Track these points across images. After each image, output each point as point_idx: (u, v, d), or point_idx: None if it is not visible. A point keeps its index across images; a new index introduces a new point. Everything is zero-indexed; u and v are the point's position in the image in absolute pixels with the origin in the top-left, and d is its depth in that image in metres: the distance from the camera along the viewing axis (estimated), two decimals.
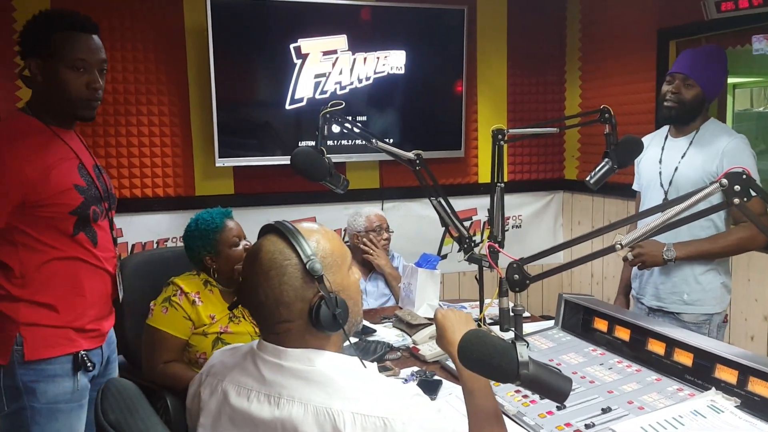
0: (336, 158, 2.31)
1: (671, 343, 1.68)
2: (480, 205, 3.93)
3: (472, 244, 2.12)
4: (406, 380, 1.82)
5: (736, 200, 1.09)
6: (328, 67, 3.43)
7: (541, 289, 4.17)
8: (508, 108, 3.99)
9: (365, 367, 1.09)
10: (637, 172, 2.41)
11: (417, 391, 1.06)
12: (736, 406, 1.44)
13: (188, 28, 3.31)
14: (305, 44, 3.37)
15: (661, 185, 2.23)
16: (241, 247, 2.17)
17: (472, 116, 3.89)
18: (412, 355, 2.05)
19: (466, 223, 3.87)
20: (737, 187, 1.09)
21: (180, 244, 2.72)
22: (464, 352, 1.07)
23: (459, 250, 2.15)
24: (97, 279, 1.67)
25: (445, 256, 2.44)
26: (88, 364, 1.61)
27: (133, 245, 3.33)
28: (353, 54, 3.46)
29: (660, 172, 2.24)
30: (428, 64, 3.63)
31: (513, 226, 4.09)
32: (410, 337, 2.18)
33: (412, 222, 3.79)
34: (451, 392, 1.72)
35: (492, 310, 2.24)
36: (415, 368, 1.91)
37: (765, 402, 1.42)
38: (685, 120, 2.18)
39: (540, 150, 4.10)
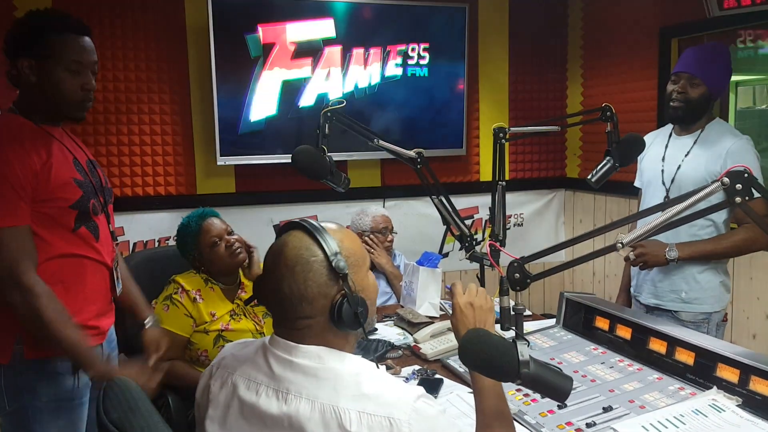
0: (337, 156, 2.30)
1: (673, 342, 1.68)
2: (481, 203, 3.93)
3: (474, 243, 2.11)
4: (407, 379, 1.82)
5: (738, 199, 1.09)
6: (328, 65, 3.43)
7: (543, 287, 4.17)
8: (510, 106, 3.99)
9: (378, 368, 1.10)
10: (640, 169, 2.40)
11: (423, 392, 1.07)
12: (737, 405, 1.44)
13: (189, 26, 3.31)
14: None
15: (663, 183, 2.22)
16: (221, 245, 2.15)
17: (473, 114, 3.88)
18: (413, 353, 2.05)
19: (468, 222, 3.87)
20: (739, 186, 1.09)
21: None
22: (465, 351, 1.07)
23: (460, 249, 2.15)
24: (97, 274, 1.67)
25: (446, 255, 2.45)
26: None
27: (134, 244, 3.34)
28: (352, 53, 3.46)
29: (662, 170, 2.23)
30: (430, 62, 3.63)
31: (515, 225, 4.09)
32: (411, 335, 2.18)
33: (414, 220, 3.79)
34: (452, 391, 1.72)
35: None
36: (417, 367, 1.91)
37: (766, 401, 1.41)
38: (691, 119, 2.17)
39: (542, 148, 4.09)
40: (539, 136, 3.94)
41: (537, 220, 4.15)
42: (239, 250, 2.17)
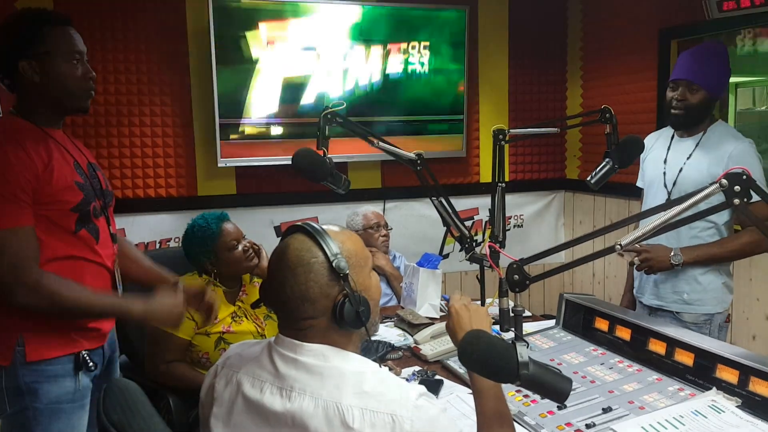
0: (337, 158, 2.31)
1: (672, 343, 1.68)
2: (482, 204, 3.93)
3: (474, 244, 2.12)
4: (407, 380, 1.83)
5: (736, 201, 1.09)
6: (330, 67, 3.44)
7: (543, 288, 4.18)
8: (510, 107, 4.00)
9: (380, 367, 1.11)
10: (642, 169, 2.40)
11: (424, 390, 1.08)
12: (737, 406, 1.44)
13: (190, 29, 3.32)
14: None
15: (665, 185, 2.21)
16: (240, 248, 2.17)
17: (473, 116, 3.89)
18: (413, 354, 2.05)
19: (468, 223, 3.87)
20: (737, 188, 1.09)
21: None
22: (464, 352, 1.08)
23: (460, 250, 2.15)
24: (98, 276, 1.67)
25: (446, 256, 2.46)
26: (90, 364, 1.61)
27: (135, 245, 3.33)
28: (353, 54, 3.47)
29: (664, 173, 2.22)
30: (430, 63, 3.64)
31: (515, 226, 4.10)
32: (412, 336, 2.18)
33: (414, 222, 3.79)
34: (452, 392, 1.73)
35: (493, 309, 2.25)
36: (417, 368, 1.92)
37: (766, 402, 1.42)
38: (695, 122, 2.16)
39: (542, 149, 4.10)
40: (539, 137, 3.94)
41: (537, 222, 4.16)
42: (252, 254, 2.19)
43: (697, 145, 2.16)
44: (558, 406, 1.52)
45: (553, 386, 1.07)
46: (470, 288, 3.93)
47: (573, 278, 4.17)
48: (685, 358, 1.63)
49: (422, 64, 3.62)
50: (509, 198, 2.11)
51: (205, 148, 3.41)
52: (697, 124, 2.17)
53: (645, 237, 1.17)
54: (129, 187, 3.31)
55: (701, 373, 1.58)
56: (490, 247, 1.55)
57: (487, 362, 1.06)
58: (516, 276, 1.13)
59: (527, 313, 2.42)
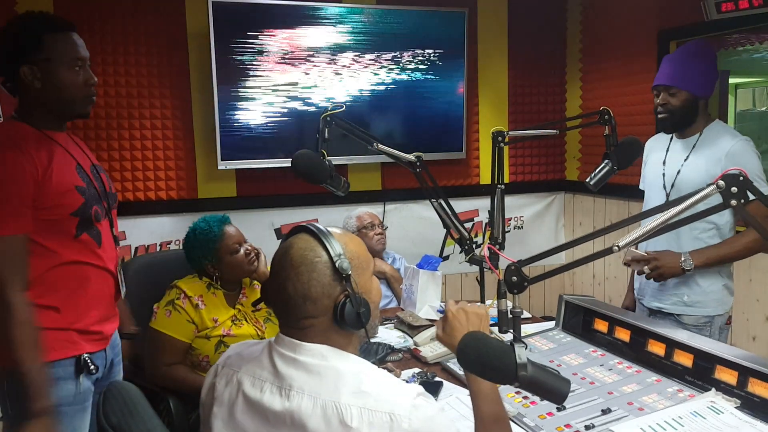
0: (337, 160, 2.31)
1: (671, 344, 1.69)
2: (482, 206, 3.94)
3: (473, 246, 2.12)
4: (407, 381, 1.83)
5: (734, 202, 1.10)
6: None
7: (543, 290, 4.18)
8: (509, 109, 4.00)
9: (380, 368, 1.13)
10: (644, 172, 2.40)
11: (422, 390, 1.09)
12: (736, 407, 1.44)
13: (190, 32, 3.33)
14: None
15: (664, 187, 2.21)
16: (242, 251, 2.17)
17: (473, 118, 3.89)
18: (413, 356, 2.06)
19: (468, 225, 3.88)
20: (734, 189, 1.09)
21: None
22: (463, 354, 1.08)
23: (460, 252, 2.16)
24: (100, 279, 1.67)
25: (446, 258, 2.46)
26: (91, 367, 1.61)
27: (136, 248, 3.35)
28: (353, 57, 3.48)
29: (663, 174, 2.22)
30: (429, 66, 3.64)
31: (515, 227, 4.10)
32: (411, 338, 2.19)
33: (414, 223, 3.80)
34: (452, 393, 1.73)
35: (493, 311, 2.25)
36: (417, 369, 1.92)
37: (765, 403, 1.42)
38: (683, 124, 2.16)
39: (541, 151, 4.10)
40: (539, 139, 3.95)
41: (537, 223, 4.16)
42: (254, 257, 2.19)
43: (694, 146, 2.16)
44: (557, 408, 1.52)
45: (551, 387, 1.07)
46: (470, 290, 3.93)
47: (573, 280, 4.18)
48: (685, 360, 1.64)
49: (422, 67, 3.62)
50: (509, 200, 2.11)
51: (205, 151, 3.41)
52: (688, 125, 2.16)
53: (643, 238, 1.17)
54: (129, 189, 3.32)
55: (700, 374, 1.58)
56: (489, 248, 1.55)
57: (486, 363, 1.06)
58: (514, 277, 1.14)
59: (527, 315, 2.42)
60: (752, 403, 1.44)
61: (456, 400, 1.68)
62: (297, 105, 3.43)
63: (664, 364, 1.69)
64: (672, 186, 2.18)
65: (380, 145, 2.10)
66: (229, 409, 1.14)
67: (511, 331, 1.15)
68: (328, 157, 2.02)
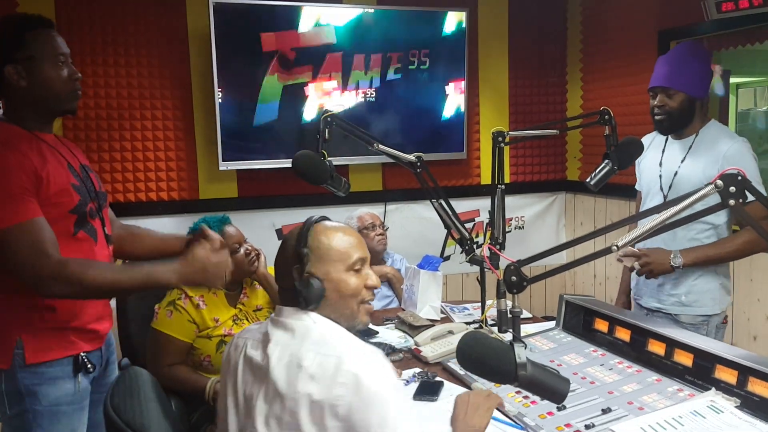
0: (338, 161, 2.32)
1: (671, 344, 1.69)
2: (483, 206, 3.94)
3: (474, 246, 2.13)
4: (407, 381, 1.84)
5: (732, 202, 1.10)
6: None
7: (544, 290, 4.18)
8: (510, 110, 4.00)
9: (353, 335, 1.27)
10: (638, 172, 2.40)
11: (383, 358, 1.20)
12: (735, 407, 1.45)
13: (191, 33, 3.34)
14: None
15: (661, 189, 2.21)
16: (242, 251, 2.17)
17: (473, 118, 3.90)
18: (414, 356, 2.06)
19: (469, 225, 3.88)
20: (732, 189, 1.10)
21: None
22: (463, 353, 1.09)
23: (461, 252, 2.16)
24: None
25: (447, 258, 2.47)
26: (89, 366, 1.62)
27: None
28: (353, 58, 3.49)
29: (660, 175, 2.22)
30: (430, 66, 3.65)
31: (516, 228, 4.10)
32: (412, 338, 2.19)
33: (415, 224, 3.80)
34: (452, 393, 1.73)
35: (494, 311, 2.25)
36: (417, 369, 1.92)
37: (765, 402, 1.42)
38: (681, 125, 2.16)
39: (542, 151, 4.11)
40: (539, 139, 3.95)
41: (538, 223, 4.16)
42: (254, 258, 2.20)
43: (690, 147, 2.15)
44: (558, 407, 1.53)
45: (551, 387, 1.08)
46: (471, 290, 3.93)
47: (574, 279, 4.18)
48: (685, 359, 1.64)
49: (422, 68, 3.63)
50: (510, 200, 2.12)
51: (206, 152, 3.42)
52: (685, 126, 2.16)
53: (641, 238, 1.17)
54: (131, 190, 3.33)
55: (700, 373, 1.59)
56: (488, 249, 1.55)
57: (486, 363, 1.07)
58: (513, 277, 1.14)
59: (527, 315, 2.43)
60: (752, 403, 1.44)
61: None
62: (298, 105, 3.44)
63: (664, 363, 1.69)
64: (670, 187, 2.18)
65: (381, 146, 2.10)
66: (234, 369, 1.29)
67: (511, 330, 1.15)
68: (329, 158, 2.02)
